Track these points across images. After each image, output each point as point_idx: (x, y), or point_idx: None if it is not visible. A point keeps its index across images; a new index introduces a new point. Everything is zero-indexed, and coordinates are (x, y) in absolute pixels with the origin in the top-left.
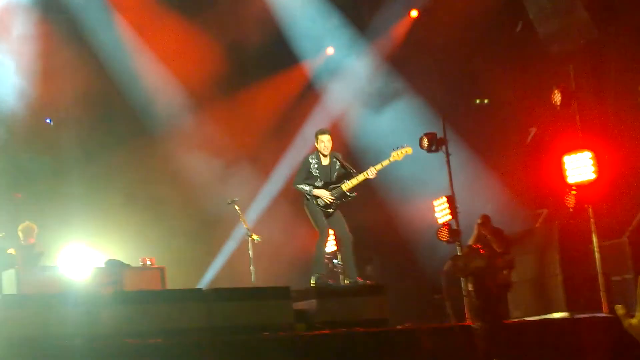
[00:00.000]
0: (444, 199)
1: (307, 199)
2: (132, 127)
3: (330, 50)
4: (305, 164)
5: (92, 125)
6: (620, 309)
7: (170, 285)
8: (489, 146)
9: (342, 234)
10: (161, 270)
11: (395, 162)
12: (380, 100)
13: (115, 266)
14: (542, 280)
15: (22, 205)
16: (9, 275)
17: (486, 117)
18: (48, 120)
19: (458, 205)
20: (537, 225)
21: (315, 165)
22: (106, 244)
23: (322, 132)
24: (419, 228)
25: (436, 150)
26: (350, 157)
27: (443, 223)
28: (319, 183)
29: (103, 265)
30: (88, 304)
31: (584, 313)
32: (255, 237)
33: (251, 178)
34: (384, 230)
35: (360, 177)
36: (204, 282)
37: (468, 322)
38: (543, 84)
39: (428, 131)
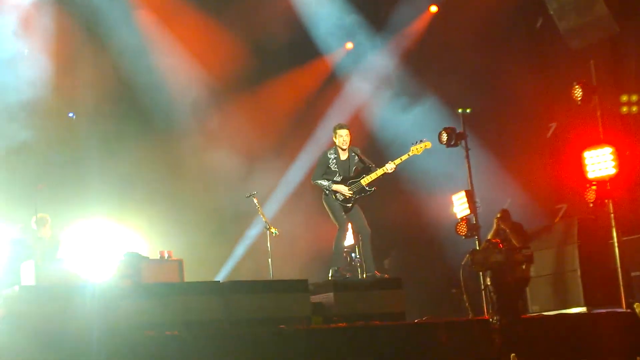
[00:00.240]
0: (463, 194)
1: (326, 194)
2: (153, 121)
3: (349, 45)
4: (324, 159)
5: (113, 120)
6: (638, 307)
7: (188, 277)
8: (509, 141)
9: (360, 228)
10: (179, 262)
11: (415, 156)
12: (401, 95)
13: (134, 259)
14: (561, 275)
15: (42, 198)
16: (28, 267)
17: (506, 112)
18: (71, 115)
19: (477, 200)
20: (557, 220)
21: (334, 160)
22: (125, 237)
23: (341, 126)
24: (437, 222)
25: (455, 145)
26: (370, 150)
27: (462, 217)
28: (337, 178)
29: (122, 257)
30: (106, 296)
31: (602, 308)
32: (273, 230)
33: (270, 172)
34: (402, 225)
35: (379, 172)
36: (222, 274)
37: (486, 316)
38: (563, 79)
39: (447, 126)
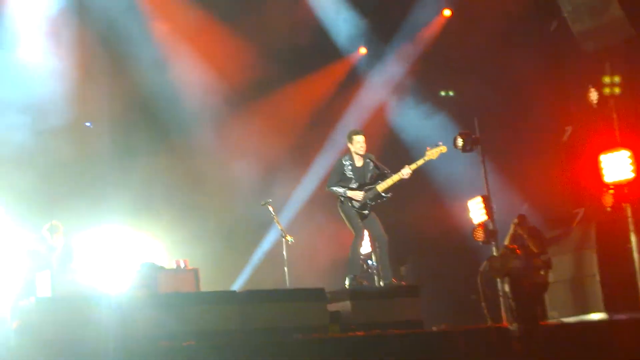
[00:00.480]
0: (480, 199)
1: (342, 201)
2: (170, 130)
3: (363, 50)
4: (339, 166)
5: (130, 129)
6: None
7: (204, 287)
8: (525, 145)
9: (377, 235)
10: (195, 272)
11: (430, 161)
12: (415, 101)
13: (150, 268)
14: (580, 281)
15: (58, 207)
16: (43, 278)
17: (521, 116)
18: (88, 124)
19: (493, 205)
20: (574, 224)
21: (349, 167)
22: (141, 246)
23: (357, 132)
24: (453, 228)
25: (470, 150)
26: (385, 156)
27: (479, 223)
28: (353, 184)
29: (137, 267)
30: (122, 306)
31: (622, 314)
32: (289, 238)
33: (286, 179)
34: (418, 231)
35: (395, 178)
36: (238, 283)
37: (504, 323)
38: (578, 82)
39: (462, 130)
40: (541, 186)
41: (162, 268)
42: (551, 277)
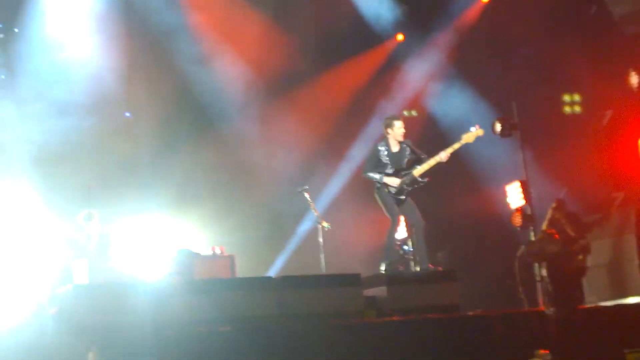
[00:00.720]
0: (518, 184)
1: (378, 187)
2: (207, 118)
3: (400, 37)
4: (375, 152)
5: (167, 119)
6: None
7: (240, 273)
8: (563, 130)
9: (414, 221)
10: (231, 258)
11: (468, 146)
12: (454, 86)
13: (186, 255)
14: (618, 265)
15: (96, 196)
16: (80, 266)
17: (559, 100)
18: (127, 114)
19: (531, 190)
20: (613, 209)
21: (385, 153)
22: (177, 233)
23: (396, 117)
24: (490, 214)
25: (509, 135)
26: (423, 141)
27: (516, 208)
28: (389, 170)
29: (173, 254)
30: (158, 293)
31: None
32: (325, 224)
33: (322, 166)
34: (455, 217)
35: (432, 162)
36: (274, 270)
37: (541, 307)
38: (619, 66)
39: (501, 115)
40: (580, 171)
41: (198, 255)
42: (590, 261)
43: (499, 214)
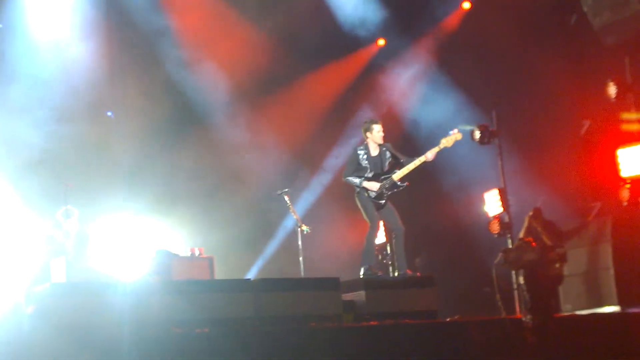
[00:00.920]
0: (496, 191)
1: (358, 191)
2: (188, 120)
3: (381, 42)
4: (354, 156)
5: (148, 119)
6: None
7: (219, 275)
8: (542, 138)
9: (394, 226)
10: (210, 260)
11: (448, 153)
12: (433, 92)
13: (164, 256)
14: (594, 274)
15: (74, 195)
16: (58, 264)
17: (539, 109)
18: (109, 114)
19: (509, 198)
20: (590, 218)
21: (364, 156)
22: (156, 233)
23: (375, 121)
24: (468, 221)
25: (488, 143)
26: (403, 145)
27: (494, 215)
28: (369, 174)
29: (152, 254)
30: (136, 293)
31: (635, 307)
32: (304, 228)
33: (302, 169)
34: (433, 223)
35: (411, 166)
36: (253, 272)
37: (518, 315)
38: (597, 76)
39: (480, 123)
40: (558, 179)
41: (176, 256)
42: (566, 270)
43: (477, 221)
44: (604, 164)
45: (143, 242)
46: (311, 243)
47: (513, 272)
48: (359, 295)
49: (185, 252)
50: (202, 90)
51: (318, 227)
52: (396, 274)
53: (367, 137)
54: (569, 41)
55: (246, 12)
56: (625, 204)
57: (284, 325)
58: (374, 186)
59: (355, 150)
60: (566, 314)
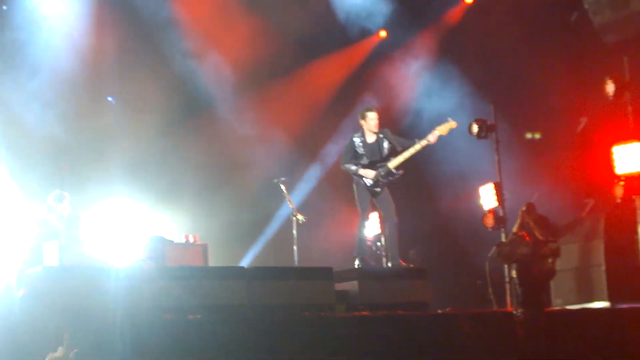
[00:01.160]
0: (492, 185)
1: (355, 179)
2: (185, 108)
3: (382, 34)
4: (350, 144)
5: (145, 106)
6: None
7: (213, 262)
8: (539, 134)
9: (387, 216)
10: (204, 247)
11: (445, 146)
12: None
13: (158, 242)
14: (586, 270)
15: (69, 179)
16: (51, 248)
17: (537, 104)
18: (110, 99)
19: (505, 192)
20: (583, 214)
21: (361, 144)
22: (151, 219)
23: (370, 109)
24: (463, 214)
25: (485, 137)
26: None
27: (489, 209)
28: (365, 162)
29: (146, 240)
30: (129, 278)
31: (625, 303)
32: (300, 217)
33: (300, 158)
34: (428, 215)
35: (406, 154)
36: (247, 260)
37: (509, 308)
38: (596, 74)
39: (477, 117)
40: (554, 175)
41: (171, 242)
42: (558, 265)
43: (472, 215)
44: (599, 161)
45: (137, 227)
46: (306, 232)
47: (506, 266)
48: (352, 285)
49: (179, 238)
50: (200, 79)
51: (313, 216)
52: (389, 265)
53: (362, 125)
54: (569, 38)
55: (250, 3)
56: (618, 201)
57: (277, 313)
58: (369, 174)
59: (351, 138)
60: (557, 308)
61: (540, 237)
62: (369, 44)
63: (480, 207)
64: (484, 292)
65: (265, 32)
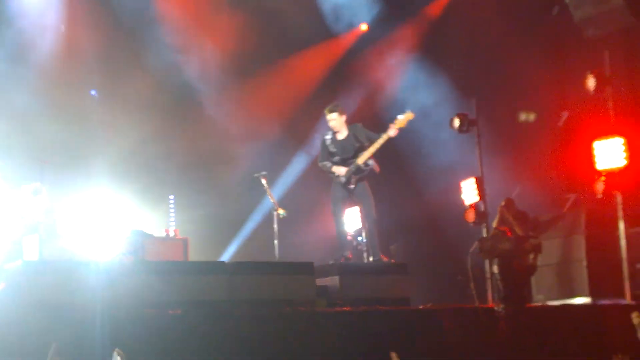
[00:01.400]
0: (473, 180)
1: (331, 177)
2: (165, 100)
3: (363, 27)
4: (323, 142)
5: (125, 97)
6: (636, 317)
7: (193, 257)
8: (520, 129)
9: (366, 212)
10: (184, 241)
11: (426, 141)
12: (415, 78)
13: (139, 235)
14: (567, 265)
15: (48, 173)
16: (31, 241)
17: (518, 98)
18: (93, 92)
19: (486, 187)
20: (565, 210)
21: (331, 141)
22: (131, 213)
23: (327, 110)
24: (444, 208)
25: (467, 131)
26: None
27: (470, 204)
28: (336, 159)
29: (126, 234)
30: (109, 272)
31: (606, 299)
32: (281, 211)
33: (280, 153)
34: (409, 210)
35: (371, 149)
36: (227, 254)
37: (491, 304)
38: (577, 68)
39: (459, 112)
40: (535, 170)
41: (151, 236)
42: (539, 260)
43: (453, 210)
44: (580, 156)
45: (117, 221)
46: (287, 227)
47: (487, 261)
48: (333, 281)
49: (159, 232)
50: (180, 71)
51: (294, 211)
52: (370, 260)
53: None
54: (550, 32)
55: None
56: (599, 196)
57: (257, 308)
58: (341, 171)
59: (322, 136)
60: (538, 304)
61: (520, 233)
62: (351, 37)
63: (461, 201)
64: (466, 287)
65: (244, 25)
